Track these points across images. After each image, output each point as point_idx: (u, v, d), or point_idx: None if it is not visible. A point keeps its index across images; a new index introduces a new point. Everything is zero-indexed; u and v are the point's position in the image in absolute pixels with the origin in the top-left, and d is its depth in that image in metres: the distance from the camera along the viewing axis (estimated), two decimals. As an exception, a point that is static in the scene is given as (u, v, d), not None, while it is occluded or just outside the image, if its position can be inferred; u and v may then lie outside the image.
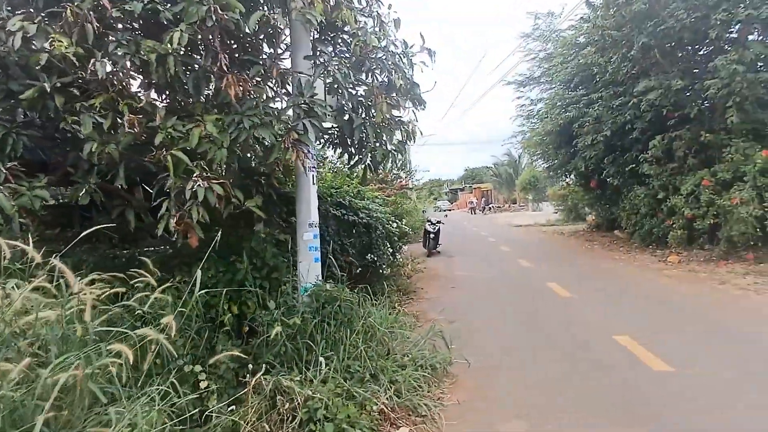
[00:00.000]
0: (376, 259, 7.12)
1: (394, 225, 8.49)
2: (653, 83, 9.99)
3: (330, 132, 5.82)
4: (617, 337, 4.89)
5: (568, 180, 19.03)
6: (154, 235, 4.03)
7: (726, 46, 9.41)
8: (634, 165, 11.57)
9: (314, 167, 4.62)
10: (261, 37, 5.20)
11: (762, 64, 9.39)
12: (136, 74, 3.73)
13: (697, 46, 10.88)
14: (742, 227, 8.28)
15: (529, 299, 7.17)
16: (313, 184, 4.58)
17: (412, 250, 13.17)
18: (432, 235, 13.21)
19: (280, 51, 5.11)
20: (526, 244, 15.20)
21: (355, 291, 4.65)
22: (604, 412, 3.38)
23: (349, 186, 7.73)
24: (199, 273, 2.87)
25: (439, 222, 13.85)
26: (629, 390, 3.69)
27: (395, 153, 5.37)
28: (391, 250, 8.12)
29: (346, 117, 4.91)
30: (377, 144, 5.17)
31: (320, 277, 4.41)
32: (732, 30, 9.41)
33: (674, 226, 10.25)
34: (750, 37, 9.19)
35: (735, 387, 3.63)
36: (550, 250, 13.85)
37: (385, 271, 7.69)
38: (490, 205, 45.70)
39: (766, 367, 3.98)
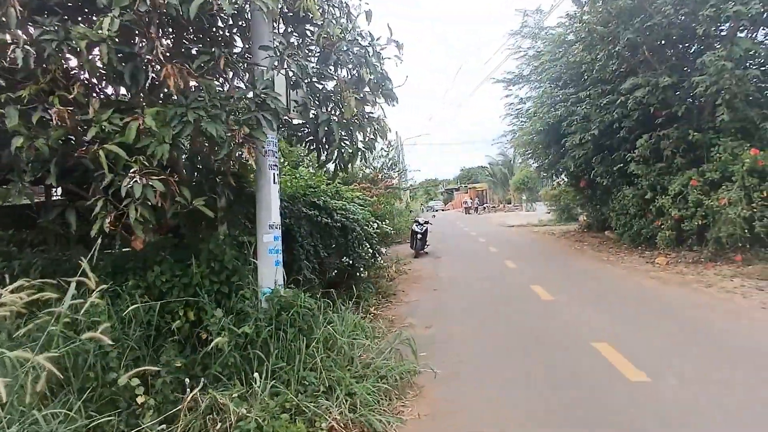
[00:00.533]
0: (352, 261, 6.87)
1: (374, 226, 8.23)
2: (640, 80, 9.78)
3: (301, 129, 5.58)
4: (596, 344, 4.66)
5: (558, 180, 18.82)
6: (111, 237, 3.79)
7: (715, 43, 9.22)
8: (622, 164, 11.35)
9: (275, 165, 4.37)
10: (235, 31, 4.96)
11: (751, 60, 9.21)
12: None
13: (686, 44, 10.69)
14: (730, 228, 8.07)
15: (511, 303, 6.93)
16: (275, 182, 4.33)
17: (399, 251, 12.93)
18: (419, 236, 12.96)
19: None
20: (516, 245, 14.98)
21: (321, 296, 4.41)
22: (574, 427, 3.15)
23: (328, 185, 7.48)
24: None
25: (426, 222, 13.60)
26: (603, 403, 3.46)
27: (365, 151, 5.14)
28: (371, 252, 7.87)
29: (313, 112, 4.66)
30: (345, 141, 4.92)
31: (280, 282, 4.14)
32: (721, 27, 9.22)
33: (663, 227, 10.05)
34: (739, 34, 9.00)
35: (710, 397, 3.41)
36: (538, 252, 13.63)
37: (363, 274, 7.43)
38: (485, 205, 45.52)
39: (745, 378, 3.75)
